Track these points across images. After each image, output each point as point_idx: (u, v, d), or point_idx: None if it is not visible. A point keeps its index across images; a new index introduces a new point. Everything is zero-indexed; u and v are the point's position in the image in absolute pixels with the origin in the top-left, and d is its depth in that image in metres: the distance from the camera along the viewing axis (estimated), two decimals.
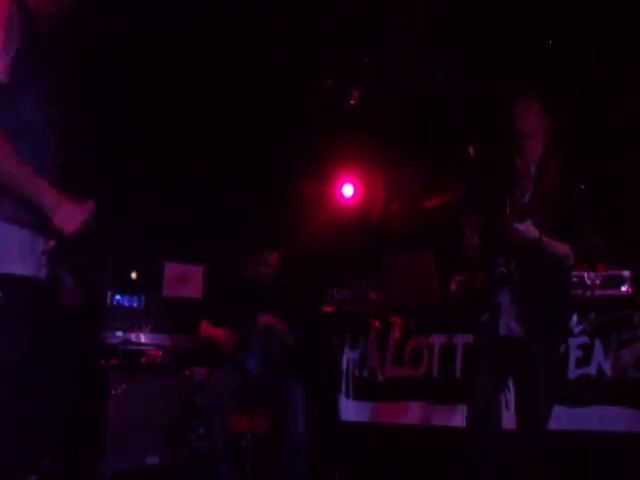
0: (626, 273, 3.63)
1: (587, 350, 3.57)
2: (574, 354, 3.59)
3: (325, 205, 5.87)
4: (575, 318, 3.61)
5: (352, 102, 5.51)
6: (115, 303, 4.83)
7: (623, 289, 3.62)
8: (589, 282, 3.62)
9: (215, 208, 5.34)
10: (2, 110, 1.78)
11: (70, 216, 1.84)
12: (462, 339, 4.09)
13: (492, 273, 2.78)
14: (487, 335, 2.81)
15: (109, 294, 4.84)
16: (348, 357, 4.66)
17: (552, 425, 2.80)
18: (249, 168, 5.46)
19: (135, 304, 4.73)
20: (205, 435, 3.86)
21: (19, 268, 1.84)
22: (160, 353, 4.47)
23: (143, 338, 4.60)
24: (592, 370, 3.54)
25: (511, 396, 2.84)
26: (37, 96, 1.87)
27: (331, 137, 5.56)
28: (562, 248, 2.74)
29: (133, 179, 5.03)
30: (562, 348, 3.40)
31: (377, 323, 4.60)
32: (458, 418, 3.94)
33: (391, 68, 5.10)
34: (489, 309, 2.79)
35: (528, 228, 2.67)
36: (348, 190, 5.94)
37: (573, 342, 3.60)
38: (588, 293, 3.61)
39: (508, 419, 2.84)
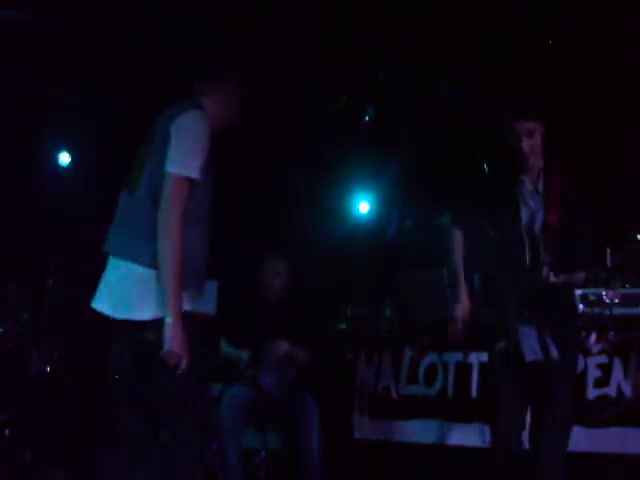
0: None
1: (606, 370, 3.52)
2: (593, 374, 3.54)
3: (340, 222, 5.87)
4: (593, 337, 3.57)
5: (367, 119, 5.53)
6: None
7: None
8: (608, 300, 3.58)
9: (230, 223, 5.35)
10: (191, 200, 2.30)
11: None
12: (478, 357, 4.05)
13: (513, 317, 2.72)
14: (508, 361, 2.76)
15: None
16: (362, 374, 4.63)
17: (571, 446, 2.76)
18: (265, 185, 5.48)
19: None
20: (219, 451, 3.85)
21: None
22: None
23: None
24: (611, 390, 3.48)
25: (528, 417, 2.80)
26: (205, 187, 2.38)
27: (347, 154, 5.57)
28: (580, 278, 2.73)
29: None
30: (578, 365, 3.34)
31: (391, 340, 4.58)
32: (473, 437, 3.90)
33: (405, 85, 5.12)
34: (505, 336, 2.76)
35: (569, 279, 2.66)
36: (364, 207, 5.94)
37: (591, 361, 3.55)
38: (607, 311, 3.57)
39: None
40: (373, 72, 5.20)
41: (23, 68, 4.74)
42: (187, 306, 2.31)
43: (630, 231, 4.04)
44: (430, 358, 4.32)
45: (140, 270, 2.30)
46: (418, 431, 4.25)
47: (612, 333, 3.54)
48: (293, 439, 3.77)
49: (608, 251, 2.73)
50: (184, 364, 2.26)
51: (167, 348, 2.24)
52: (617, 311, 3.63)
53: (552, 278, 2.65)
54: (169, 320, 2.23)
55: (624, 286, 3.70)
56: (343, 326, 5.02)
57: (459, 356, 4.17)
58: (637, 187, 4.38)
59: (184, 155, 2.31)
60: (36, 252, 4.96)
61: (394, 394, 4.43)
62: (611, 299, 3.55)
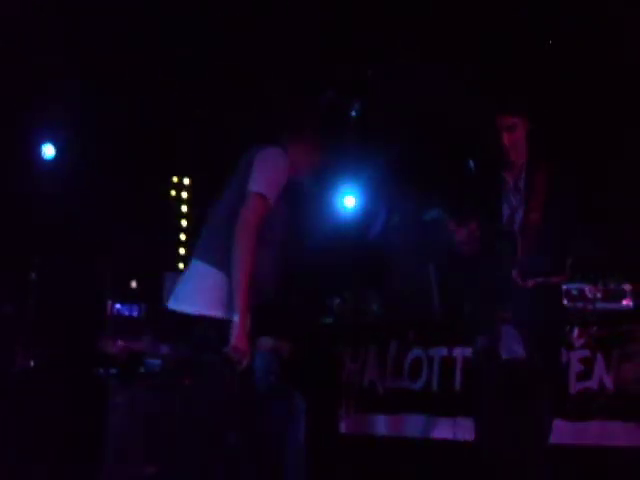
0: (627, 287, 3.63)
1: (588, 364, 3.55)
2: (575, 368, 3.57)
3: (327, 216, 5.88)
4: (576, 331, 3.60)
5: (353, 114, 5.54)
6: (115, 312, 4.83)
7: (624, 303, 3.61)
8: (590, 295, 3.62)
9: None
10: (265, 224, 2.51)
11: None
12: (462, 352, 4.07)
13: (493, 315, 2.73)
14: (489, 360, 2.77)
15: (109, 303, 4.84)
16: (348, 369, 4.65)
17: (552, 439, 2.78)
18: None
19: (135, 313, 4.73)
20: None
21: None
22: (160, 362, 4.45)
23: (143, 347, 4.59)
24: (594, 384, 3.51)
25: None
26: (278, 217, 2.59)
27: (333, 149, 5.56)
28: (562, 277, 2.73)
29: (134, 190, 5.05)
30: (563, 362, 3.38)
31: (377, 335, 4.59)
32: (457, 431, 3.92)
33: (393, 81, 5.13)
34: (487, 334, 2.76)
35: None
36: (350, 201, 5.95)
37: (574, 355, 3.58)
38: (589, 306, 3.60)
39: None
40: (373, 72, 5.21)
41: (23, 68, 4.74)
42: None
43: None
44: (415, 353, 4.34)
45: (203, 267, 2.53)
46: (403, 425, 4.27)
47: (594, 328, 3.57)
48: (279, 435, 3.78)
49: (569, 262, 2.73)
50: (245, 363, 2.42)
51: (232, 343, 2.39)
52: (599, 306, 3.67)
53: (520, 281, 2.65)
54: (235, 318, 2.41)
55: (606, 282, 3.74)
56: (329, 321, 5.03)
57: (444, 351, 4.19)
58: (636, 187, 4.41)
59: (264, 178, 2.55)
60: (19, 247, 4.94)
61: (379, 388, 4.45)
62: (593, 294, 3.58)
